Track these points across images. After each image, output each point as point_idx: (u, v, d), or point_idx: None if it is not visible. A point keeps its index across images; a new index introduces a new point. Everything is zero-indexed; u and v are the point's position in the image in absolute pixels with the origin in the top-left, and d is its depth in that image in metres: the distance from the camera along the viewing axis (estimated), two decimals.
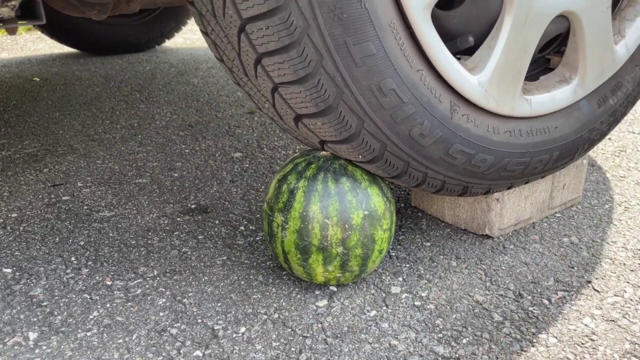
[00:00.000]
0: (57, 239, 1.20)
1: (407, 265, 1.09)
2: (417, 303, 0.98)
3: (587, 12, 1.00)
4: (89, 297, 1.00)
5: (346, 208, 0.89)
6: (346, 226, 0.89)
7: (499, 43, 0.93)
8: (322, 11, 0.75)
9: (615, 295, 1.00)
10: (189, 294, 1.00)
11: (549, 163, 1.10)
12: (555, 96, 1.05)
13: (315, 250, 0.90)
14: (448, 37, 0.98)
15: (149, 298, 0.99)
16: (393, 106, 0.85)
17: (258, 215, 1.29)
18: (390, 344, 0.88)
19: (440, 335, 0.91)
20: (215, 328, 0.92)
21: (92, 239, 1.20)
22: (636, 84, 1.17)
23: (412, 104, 0.87)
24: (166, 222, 1.27)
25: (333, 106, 0.83)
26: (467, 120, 0.95)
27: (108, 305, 0.98)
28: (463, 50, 0.99)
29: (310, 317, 0.94)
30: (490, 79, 0.94)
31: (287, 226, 0.91)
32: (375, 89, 0.83)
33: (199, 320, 0.94)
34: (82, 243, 1.18)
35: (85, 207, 1.34)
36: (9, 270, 1.07)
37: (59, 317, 0.95)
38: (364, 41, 0.79)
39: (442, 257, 1.12)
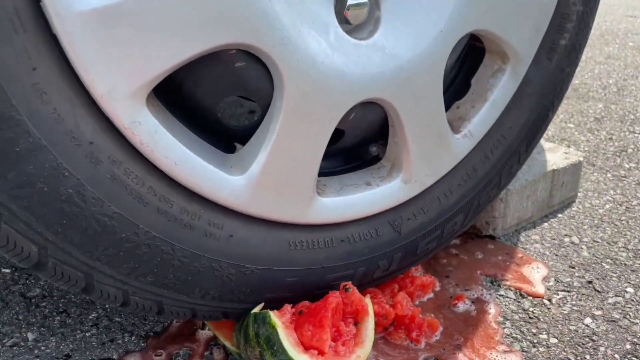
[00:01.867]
0: None
1: None
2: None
3: (404, 99, 0.80)
4: (87, 297, 1.00)
5: None
6: None
7: (270, 134, 0.73)
8: None
9: (616, 295, 1.00)
10: None
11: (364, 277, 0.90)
12: (369, 197, 0.86)
13: None
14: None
15: None
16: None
17: None
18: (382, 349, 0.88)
19: (441, 334, 0.90)
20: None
21: None
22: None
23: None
24: None
25: None
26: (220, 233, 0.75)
27: (107, 305, 0.97)
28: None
29: None
30: (259, 180, 0.74)
31: None
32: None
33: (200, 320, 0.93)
34: None
35: None
36: (7, 271, 1.07)
37: (58, 318, 0.94)
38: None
39: (442, 257, 1.12)
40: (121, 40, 0.60)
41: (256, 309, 0.80)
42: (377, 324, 0.87)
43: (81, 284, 0.70)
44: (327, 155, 0.82)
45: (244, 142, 0.78)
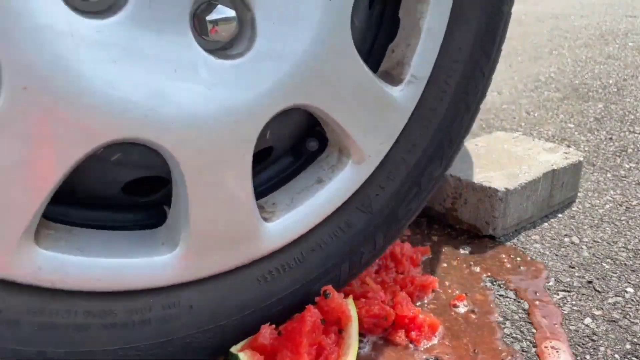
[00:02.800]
0: None
1: None
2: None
3: (316, 97, 0.70)
4: None
5: None
6: None
7: (183, 200, 0.66)
8: None
9: (616, 295, 1.00)
10: None
11: None
12: (325, 195, 0.79)
13: None
14: None
15: None
16: None
17: None
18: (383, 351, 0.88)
19: (441, 335, 0.90)
20: None
21: None
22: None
23: None
24: None
25: None
26: None
27: None
28: None
29: None
30: (194, 246, 0.69)
31: None
32: None
33: None
34: None
35: None
36: None
37: None
38: None
39: (443, 257, 1.12)
40: None
41: (237, 346, 0.78)
42: (377, 325, 0.87)
43: None
44: (266, 168, 0.78)
45: (169, 203, 0.71)
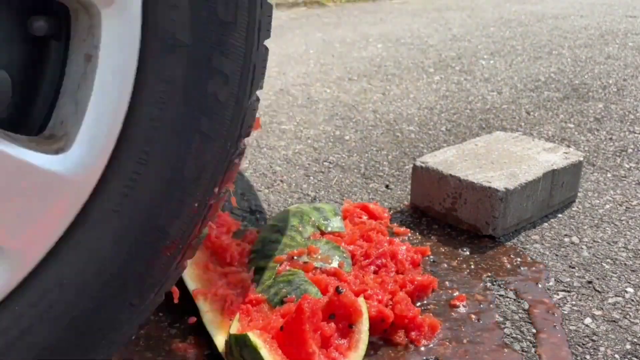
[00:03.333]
0: None
1: None
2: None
3: None
4: None
5: None
6: None
7: None
8: None
9: (616, 295, 1.00)
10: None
11: None
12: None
13: None
14: None
15: None
16: None
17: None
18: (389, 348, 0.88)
19: (441, 335, 0.90)
20: None
21: None
22: None
23: None
24: None
25: None
26: None
27: None
28: None
29: None
30: None
31: None
32: None
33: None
34: None
35: None
36: None
37: None
38: None
39: (442, 257, 1.12)
40: None
41: (233, 330, 0.78)
42: (375, 327, 0.87)
43: None
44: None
45: None
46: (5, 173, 0.53)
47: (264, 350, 0.75)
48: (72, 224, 0.59)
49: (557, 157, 1.27)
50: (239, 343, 0.76)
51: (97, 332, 0.65)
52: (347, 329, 0.82)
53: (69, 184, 0.57)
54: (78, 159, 0.57)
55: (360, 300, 0.83)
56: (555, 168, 1.23)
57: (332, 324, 0.81)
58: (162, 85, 0.60)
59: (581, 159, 1.29)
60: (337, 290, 0.83)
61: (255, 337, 0.76)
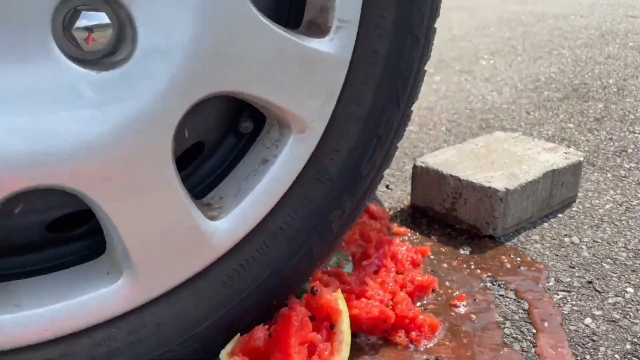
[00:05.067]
0: None
1: None
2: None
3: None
4: None
5: None
6: None
7: (112, 227, 0.62)
8: None
9: (616, 295, 1.00)
10: None
11: None
12: (276, 176, 0.73)
13: None
14: None
15: None
16: None
17: None
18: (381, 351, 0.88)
19: (441, 335, 0.90)
20: None
21: None
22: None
23: None
24: None
25: None
26: None
27: None
28: None
29: None
30: (140, 269, 0.66)
31: None
32: None
33: None
34: None
35: None
36: None
37: None
38: None
39: (442, 257, 1.12)
40: None
41: (227, 348, 0.77)
42: (376, 327, 0.87)
43: None
44: (203, 163, 0.73)
45: None
46: (303, 59, 0.68)
47: None
48: (343, 86, 0.75)
49: (557, 157, 1.27)
50: None
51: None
52: (328, 330, 0.80)
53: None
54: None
55: (339, 298, 0.80)
56: (555, 168, 1.23)
57: (324, 332, 0.79)
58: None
59: (581, 159, 1.29)
60: (312, 292, 0.80)
61: None
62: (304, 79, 0.69)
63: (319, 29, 0.71)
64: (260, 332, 0.77)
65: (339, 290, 0.84)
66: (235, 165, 0.76)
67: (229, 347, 0.77)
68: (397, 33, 0.76)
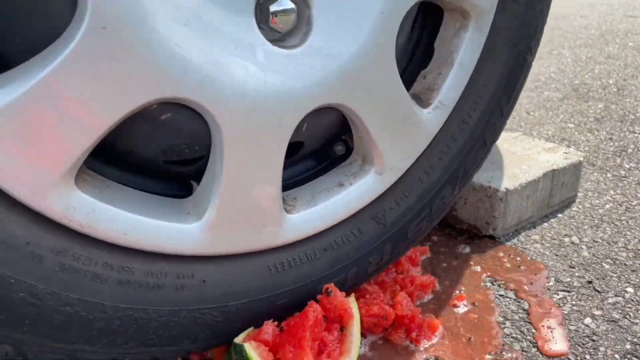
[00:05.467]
0: None
1: None
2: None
3: (356, 97, 0.75)
4: None
5: None
6: None
7: (218, 174, 0.69)
8: None
9: (616, 295, 1.00)
10: None
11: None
12: (344, 198, 0.82)
13: None
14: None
15: None
16: None
17: None
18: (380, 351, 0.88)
19: (441, 335, 0.90)
20: None
21: None
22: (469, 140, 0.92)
23: None
24: None
25: None
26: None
27: None
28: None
29: None
30: (219, 221, 0.71)
31: None
32: None
33: None
34: None
35: None
36: None
37: None
38: None
39: (442, 257, 1.12)
40: (31, 134, 0.57)
41: (239, 338, 0.78)
42: (376, 325, 0.87)
43: None
44: (293, 163, 0.79)
45: (198, 179, 0.73)
46: (407, 116, 0.82)
47: None
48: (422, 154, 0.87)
49: (557, 157, 1.27)
50: (236, 351, 0.76)
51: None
52: (339, 332, 0.81)
53: (426, 130, 0.85)
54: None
55: (352, 301, 0.82)
56: (555, 168, 1.23)
57: (335, 333, 0.80)
58: (490, 73, 0.91)
59: (581, 159, 1.29)
60: (327, 292, 0.82)
61: (250, 349, 0.75)
62: (402, 130, 0.82)
63: (420, 102, 0.85)
64: (269, 327, 0.78)
65: (352, 295, 0.86)
66: (315, 178, 0.85)
67: (240, 337, 0.78)
68: (474, 131, 0.91)
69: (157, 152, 0.72)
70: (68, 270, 0.63)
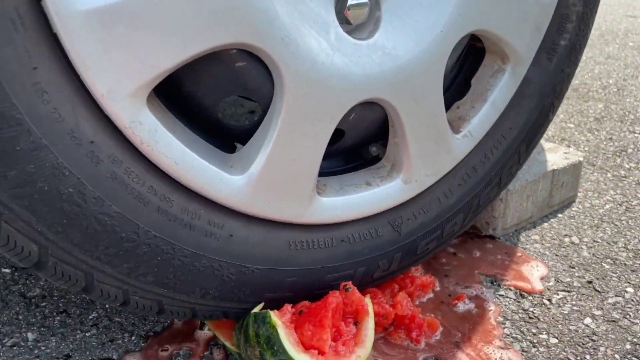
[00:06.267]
0: None
1: None
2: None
3: (403, 99, 0.80)
4: (87, 297, 1.00)
5: None
6: None
7: (270, 135, 0.73)
8: None
9: (616, 295, 1.00)
10: None
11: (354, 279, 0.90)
12: (369, 197, 0.86)
13: None
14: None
15: None
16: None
17: None
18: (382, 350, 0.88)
19: (441, 334, 0.90)
20: None
21: None
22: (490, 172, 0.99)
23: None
24: None
25: None
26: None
27: (107, 305, 0.97)
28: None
29: None
30: (259, 180, 0.74)
31: None
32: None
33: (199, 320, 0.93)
34: None
35: None
36: (7, 271, 1.07)
37: (58, 318, 0.94)
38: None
39: (442, 256, 1.12)
40: (122, 41, 0.60)
41: (256, 309, 0.80)
42: (377, 324, 0.87)
43: (81, 283, 0.70)
44: (327, 156, 0.82)
45: (243, 142, 0.77)
46: (441, 135, 0.88)
47: (281, 330, 0.76)
48: (445, 175, 0.93)
49: (557, 157, 1.27)
50: (257, 320, 0.77)
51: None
52: (353, 325, 0.83)
53: (454, 154, 0.92)
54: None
55: (367, 299, 0.84)
56: (555, 168, 1.23)
57: (351, 326, 0.82)
58: (516, 118, 0.99)
59: (581, 159, 1.29)
60: (345, 289, 0.84)
61: (275, 317, 0.77)
62: (434, 146, 0.87)
63: (451, 127, 0.90)
64: (288, 308, 0.81)
65: (368, 296, 0.87)
66: (347, 173, 0.90)
67: (256, 310, 0.81)
68: (493, 168, 0.98)
69: (216, 104, 0.77)
70: (118, 181, 0.66)
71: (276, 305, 0.82)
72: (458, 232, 1.00)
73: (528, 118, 0.98)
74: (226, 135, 0.80)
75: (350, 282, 0.85)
